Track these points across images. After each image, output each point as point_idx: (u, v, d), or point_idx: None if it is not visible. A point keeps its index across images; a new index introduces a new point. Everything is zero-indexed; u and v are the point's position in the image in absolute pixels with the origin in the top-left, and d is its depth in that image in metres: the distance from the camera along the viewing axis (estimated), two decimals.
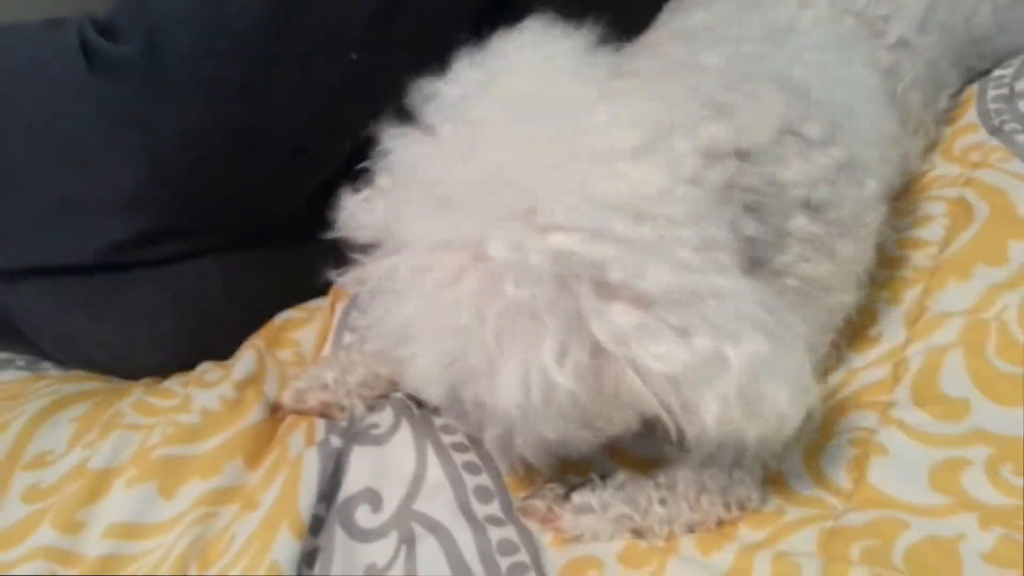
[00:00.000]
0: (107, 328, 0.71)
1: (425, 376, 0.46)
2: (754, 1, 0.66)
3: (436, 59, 0.81)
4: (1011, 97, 0.76)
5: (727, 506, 0.52)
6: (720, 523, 0.52)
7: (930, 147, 0.76)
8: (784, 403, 0.42)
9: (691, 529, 0.52)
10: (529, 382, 0.41)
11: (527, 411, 0.42)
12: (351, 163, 0.81)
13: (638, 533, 0.52)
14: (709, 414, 0.41)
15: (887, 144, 0.63)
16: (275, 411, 0.64)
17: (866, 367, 0.59)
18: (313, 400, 0.63)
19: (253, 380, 0.67)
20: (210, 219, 0.71)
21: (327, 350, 0.71)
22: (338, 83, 0.74)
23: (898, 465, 0.51)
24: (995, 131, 0.73)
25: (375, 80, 0.77)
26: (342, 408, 0.63)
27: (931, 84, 0.73)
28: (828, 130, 0.55)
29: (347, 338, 0.71)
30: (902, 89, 0.69)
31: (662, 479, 0.53)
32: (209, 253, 0.72)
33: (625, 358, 0.41)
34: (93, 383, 0.71)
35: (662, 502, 0.52)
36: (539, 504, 0.54)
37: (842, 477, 0.53)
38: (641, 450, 0.57)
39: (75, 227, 0.69)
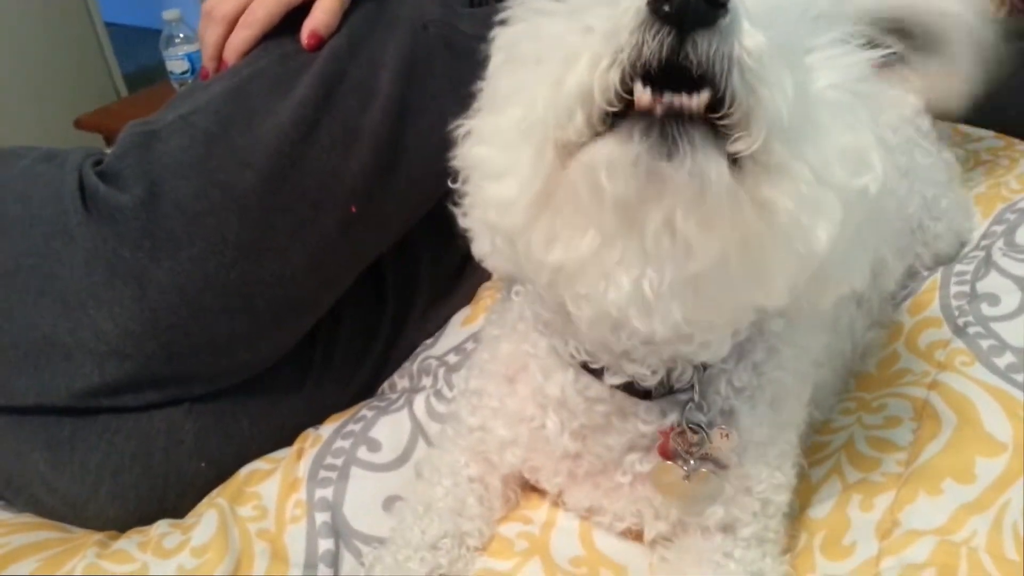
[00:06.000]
0: (67, 476, 0.68)
1: None
2: None
3: (423, 205, 0.84)
4: (973, 298, 0.79)
5: None
6: None
7: (875, 324, 0.80)
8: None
9: None
10: None
11: None
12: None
13: None
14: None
15: None
16: None
17: None
18: None
19: (213, 543, 0.64)
20: (192, 369, 0.70)
21: (294, 506, 0.68)
22: (333, 235, 0.75)
23: None
24: (959, 332, 0.76)
25: (368, 229, 0.79)
26: None
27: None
28: None
29: (318, 494, 0.69)
30: None
31: None
32: (183, 402, 0.70)
33: None
34: (44, 532, 0.68)
35: None
36: None
37: None
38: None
39: (51, 369, 0.67)
